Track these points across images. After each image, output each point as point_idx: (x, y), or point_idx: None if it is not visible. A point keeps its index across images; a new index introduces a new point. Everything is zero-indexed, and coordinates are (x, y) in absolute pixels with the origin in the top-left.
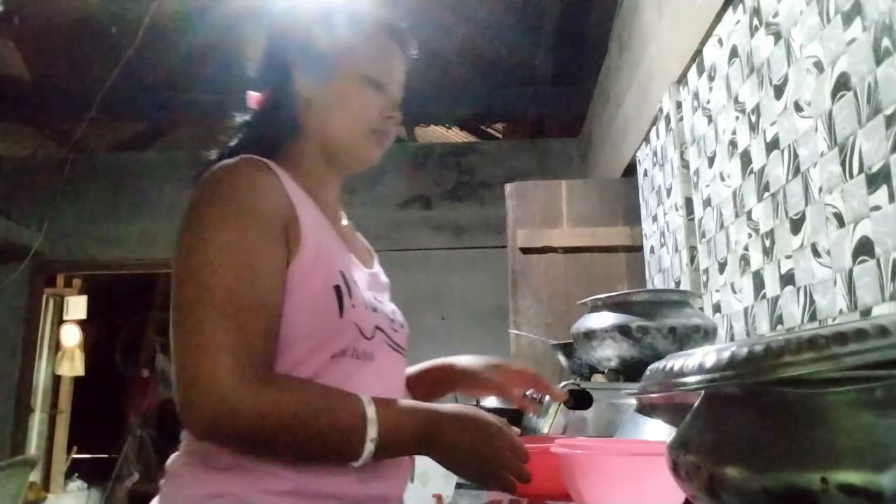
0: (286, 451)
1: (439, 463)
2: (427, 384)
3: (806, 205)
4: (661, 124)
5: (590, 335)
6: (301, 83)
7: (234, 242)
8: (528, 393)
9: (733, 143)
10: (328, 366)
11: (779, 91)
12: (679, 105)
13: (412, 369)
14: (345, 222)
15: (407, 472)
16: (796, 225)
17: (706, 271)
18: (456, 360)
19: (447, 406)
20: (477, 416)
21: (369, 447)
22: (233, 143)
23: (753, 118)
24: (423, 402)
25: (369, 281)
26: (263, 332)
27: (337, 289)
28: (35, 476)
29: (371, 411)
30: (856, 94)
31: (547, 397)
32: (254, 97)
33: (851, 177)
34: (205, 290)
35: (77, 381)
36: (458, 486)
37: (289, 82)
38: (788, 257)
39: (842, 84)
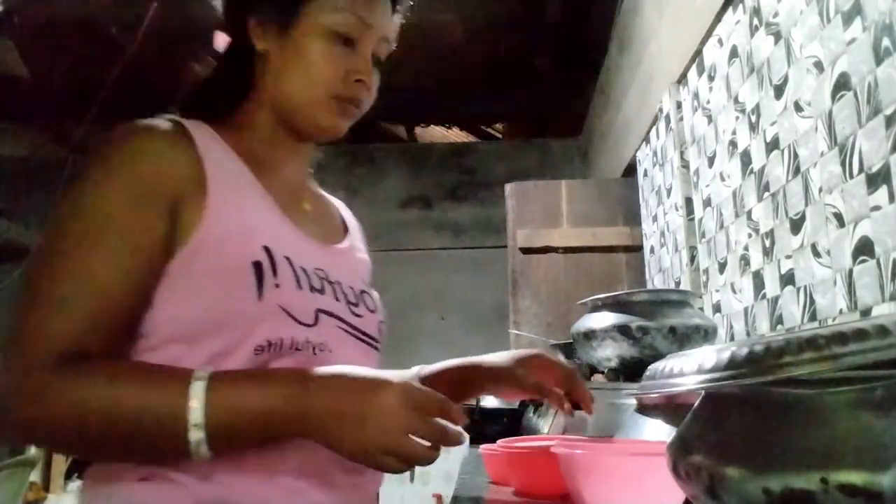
0: (113, 451)
1: (325, 445)
2: (445, 386)
3: (806, 205)
4: (661, 124)
5: (590, 335)
6: (256, 32)
7: (91, 209)
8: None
9: (733, 143)
10: (258, 363)
11: (779, 91)
12: (679, 105)
13: (428, 369)
14: (311, 193)
15: (371, 481)
16: (796, 225)
17: (706, 271)
18: (481, 360)
19: (322, 368)
20: (365, 371)
21: (195, 436)
22: (183, 97)
23: (753, 118)
24: (287, 367)
25: (323, 257)
26: (98, 318)
27: (257, 266)
28: (35, 476)
29: (198, 387)
30: (856, 94)
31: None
32: (221, 38)
33: (851, 177)
34: (46, 261)
35: None
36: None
37: (244, 29)
38: (788, 257)
39: (842, 84)
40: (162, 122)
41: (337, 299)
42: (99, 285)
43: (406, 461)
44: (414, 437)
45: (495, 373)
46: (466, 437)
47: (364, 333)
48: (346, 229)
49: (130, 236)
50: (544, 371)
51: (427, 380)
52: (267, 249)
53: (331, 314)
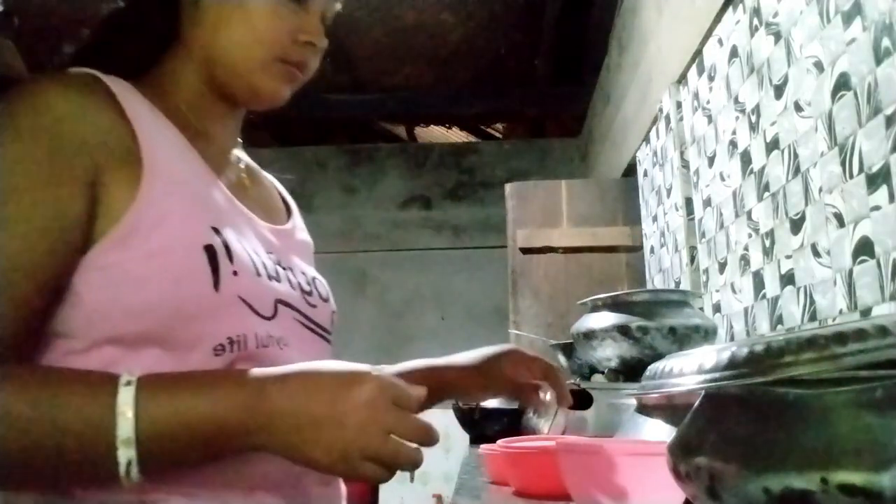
0: (28, 479)
1: (291, 457)
2: None
3: (806, 205)
4: (661, 124)
5: (590, 335)
6: None
7: None
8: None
9: (733, 143)
10: (219, 365)
11: (779, 91)
12: (679, 105)
13: (390, 370)
14: (246, 166)
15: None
16: (796, 225)
17: (706, 271)
18: (450, 360)
19: (279, 367)
20: (332, 365)
21: (125, 455)
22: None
23: (753, 118)
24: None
25: (272, 240)
26: (8, 314)
27: (209, 251)
28: None
29: (125, 396)
30: (856, 94)
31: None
32: None
33: (851, 177)
34: None
35: None
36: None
37: None
38: (788, 257)
39: (842, 84)
40: (77, 76)
41: (292, 288)
42: (16, 267)
43: (390, 466)
44: (396, 438)
45: (466, 373)
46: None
47: (318, 325)
48: (288, 208)
49: (39, 215)
50: (520, 366)
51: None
52: (217, 231)
53: (288, 305)
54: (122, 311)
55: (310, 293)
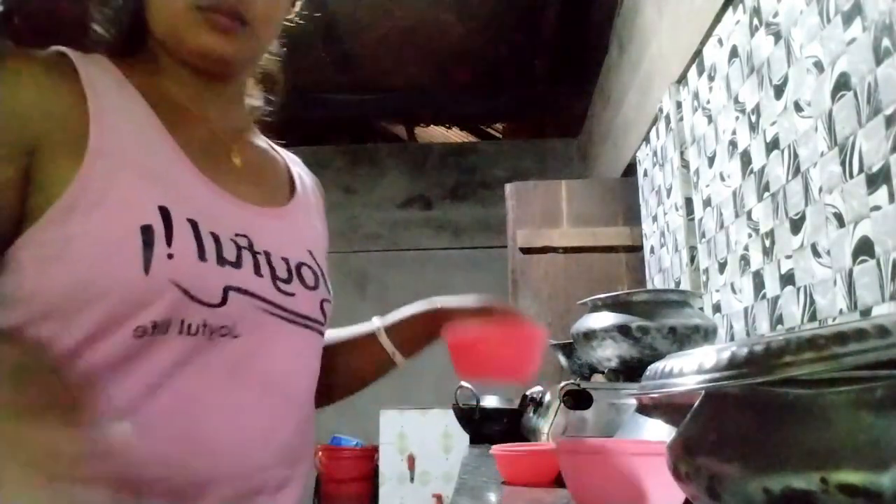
0: None
1: None
2: (417, 329)
3: (806, 205)
4: (661, 124)
5: (590, 335)
6: None
7: None
8: (527, 392)
9: (733, 143)
10: (137, 348)
11: (779, 91)
12: (679, 105)
13: (391, 319)
14: (250, 143)
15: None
16: (796, 225)
17: (706, 271)
18: (445, 302)
19: None
20: None
21: None
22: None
23: (753, 118)
24: None
25: (253, 223)
26: None
27: (145, 231)
28: None
29: None
30: (856, 94)
31: (548, 396)
32: None
33: (851, 177)
34: None
35: None
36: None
37: None
38: (788, 257)
39: (842, 84)
40: (39, 54)
41: (258, 273)
42: None
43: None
44: None
45: (462, 314)
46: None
47: (296, 314)
48: (294, 189)
49: None
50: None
51: (394, 329)
52: (164, 210)
53: (245, 292)
54: (58, 288)
55: (287, 280)
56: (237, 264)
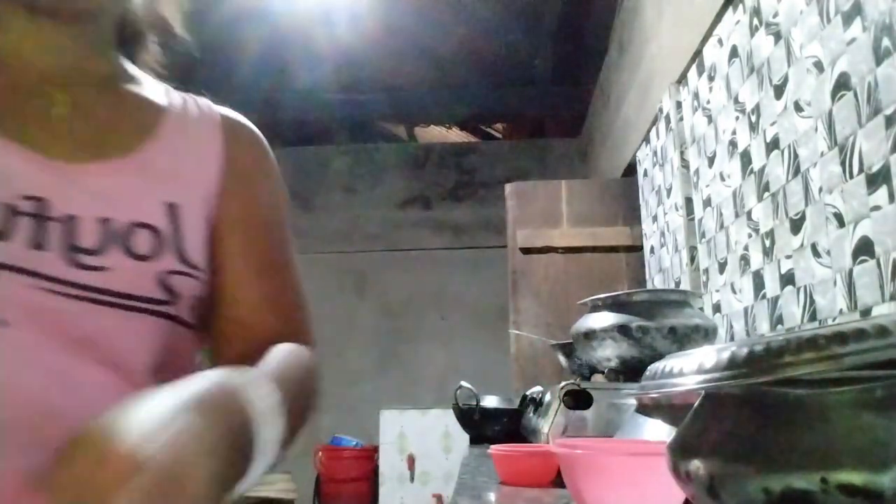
0: None
1: None
2: None
3: (806, 205)
4: (661, 124)
5: (590, 335)
6: None
7: None
8: (527, 392)
9: (733, 143)
10: None
11: (779, 91)
12: (679, 105)
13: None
14: (126, 91)
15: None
16: (796, 225)
17: (706, 271)
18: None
19: None
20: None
21: None
22: None
23: (753, 118)
24: None
25: (59, 181)
26: None
27: None
28: None
29: None
30: (856, 94)
31: (548, 396)
32: None
33: (851, 177)
34: None
35: None
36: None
37: None
38: (788, 257)
39: (842, 84)
40: None
41: (39, 245)
42: None
43: None
44: None
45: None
46: None
47: (105, 292)
48: (156, 134)
49: None
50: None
51: None
52: None
53: (12, 268)
54: None
55: (95, 250)
56: (4, 235)
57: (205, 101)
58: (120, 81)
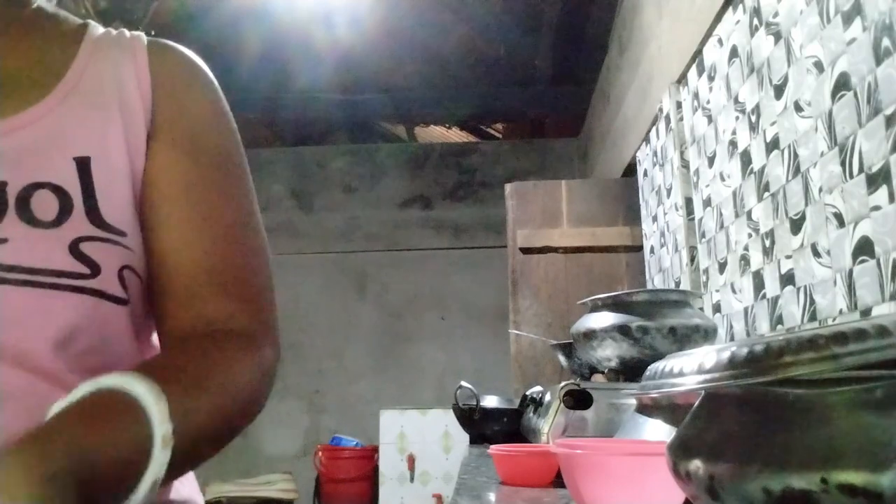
0: None
1: None
2: None
3: (806, 205)
4: (661, 124)
5: (590, 335)
6: None
7: None
8: (527, 392)
9: (733, 143)
10: None
11: (779, 91)
12: (679, 105)
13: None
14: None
15: None
16: (796, 225)
17: (706, 271)
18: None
19: None
20: None
21: None
22: None
23: (753, 118)
24: None
25: None
26: None
27: None
28: None
29: None
30: (856, 94)
31: (548, 396)
32: None
33: (851, 177)
34: None
35: None
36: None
37: None
38: (788, 257)
39: (842, 84)
40: None
41: None
42: None
43: None
44: None
45: None
46: None
47: (10, 268)
48: (65, 79)
49: None
50: None
51: None
52: None
53: None
54: None
55: None
56: None
57: (133, 32)
58: (29, 26)
